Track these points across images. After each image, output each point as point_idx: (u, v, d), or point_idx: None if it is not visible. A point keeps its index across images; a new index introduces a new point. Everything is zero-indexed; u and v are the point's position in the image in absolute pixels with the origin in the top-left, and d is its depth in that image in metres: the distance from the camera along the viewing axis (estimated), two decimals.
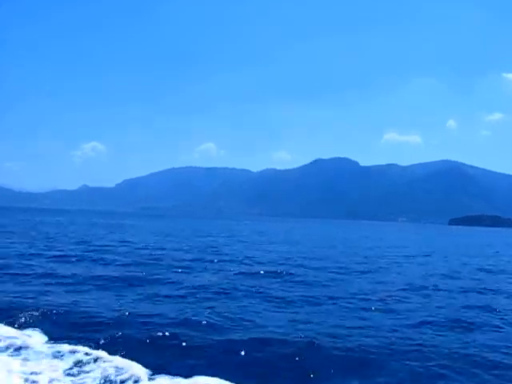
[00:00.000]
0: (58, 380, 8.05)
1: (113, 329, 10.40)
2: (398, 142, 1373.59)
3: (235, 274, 20.83)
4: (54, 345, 9.46)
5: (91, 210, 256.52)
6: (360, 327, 11.74)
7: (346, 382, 8.50)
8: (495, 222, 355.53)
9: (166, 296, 14.81)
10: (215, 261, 26.08)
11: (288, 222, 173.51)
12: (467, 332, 11.91)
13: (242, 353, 9.43)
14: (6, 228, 50.20)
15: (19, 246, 29.87)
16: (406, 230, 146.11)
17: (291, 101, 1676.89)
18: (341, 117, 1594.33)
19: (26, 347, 9.30)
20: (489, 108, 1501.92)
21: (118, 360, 8.85)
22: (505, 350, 10.36)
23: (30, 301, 12.82)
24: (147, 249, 32.26)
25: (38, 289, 15.09)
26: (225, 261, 26.33)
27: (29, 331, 10.24)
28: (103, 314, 11.67)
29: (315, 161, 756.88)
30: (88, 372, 8.42)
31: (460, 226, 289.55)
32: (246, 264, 25.29)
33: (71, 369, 8.56)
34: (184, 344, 9.72)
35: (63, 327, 10.61)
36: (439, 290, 18.45)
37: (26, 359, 8.79)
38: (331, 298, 15.56)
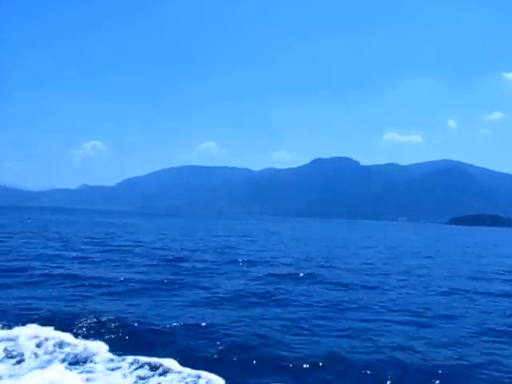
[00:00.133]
0: None
1: (175, 338, 9.87)
2: (399, 141, 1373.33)
3: (266, 275, 20.26)
4: (117, 356, 8.93)
5: (93, 210, 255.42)
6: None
7: None
8: (496, 221, 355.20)
9: (210, 301, 14.19)
10: (239, 261, 25.55)
11: (290, 222, 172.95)
12: None
13: (318, 369, 8.84)
14: (16, 228, 49.53)
15: (35, 246, 29.27)
16: (410, 230, 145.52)
17: (291, 100, 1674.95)
18: (341, 116, 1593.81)
19: (89, 358, 8.78)
20: (489, 107, 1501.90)
21: (188, 371, 8.32)
22: None
23: (76, 307, 12.27)
24: (164, 249, 31.69)
25: (75, 293, 14.54)
26: (250, 262, 25.75)
27: (89, 341, 9.72)
28: (157, 322, 11.11)
29: (315, 160, 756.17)
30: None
31: (460, 226, 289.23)
32: (272, 265, 24.74)
33: (137, 382, 8.03)
34: (255, 356, 9.16)
35: (122, 336, 10.06)
36: (481, 293, 17.92)
37: (90, 371, 8.27)
38: (382, 304, 14.87)
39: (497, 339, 11.22)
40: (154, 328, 10.58)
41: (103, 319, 10.96)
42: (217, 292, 15.86)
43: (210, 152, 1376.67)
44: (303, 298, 15.14)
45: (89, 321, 10.79)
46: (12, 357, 9.03)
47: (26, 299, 13.43)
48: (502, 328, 12.33)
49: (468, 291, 18.22)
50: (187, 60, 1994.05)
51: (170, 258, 26.41)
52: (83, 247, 30.73)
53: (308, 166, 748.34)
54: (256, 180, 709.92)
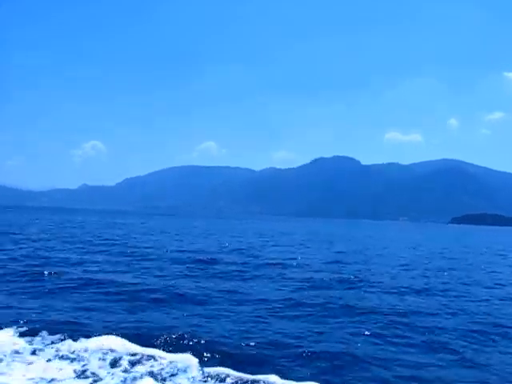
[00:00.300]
0: None
1: (261, 352, 8.86)
2: (400, 141, 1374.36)
3: (307, 279, 19.05)
4: (209, 369, 8.01)
5: (96, 210, 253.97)
6: None
7: None
8: (497, 220, 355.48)
9: (271, 311, 12.99)
10: (270, 264, 24.42)
11: (295, 222, 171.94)
12: None
13: None
14: (29, 229, 48.32)
15: (59, 249, 28.03)
16: (417, 230, 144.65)
17: (292, 100, 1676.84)
18: (341, 116, 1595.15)
19: (180, 372, 7.91)
20: (489, 107, 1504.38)
21: None
22: None
23: (136, 316, 11.29)
24: (188, 251, 30.49)
25: (141, 305, 13.38)
26: (281, 264, 24.51)
27: (174, 354, 8.74)
28: (233, 335, 10.07)
29: (316, 160, 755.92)
30: None
31: (462, 225, 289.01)
32: (306, 269, 23.58)
33: None
34: (360, 372, 8.13)
35: (204, 350, 9.07)
36: None
37: None
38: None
39: None
40: (234, 342, 9.60)
41: (178, 332, 9.92)
42: (269, 300, 14.65)
43: (210, 152, 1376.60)
44: (370, 305, 14.06)
45: (159, 333, 9.79)
46: (86, 376, 8.00)
47: (79, 309, 12.36)
48: None
49: None
50: (187, 60, 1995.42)
51: (201, 259, 25.40)
52: (105, 249, 29.62)
53: (308, 165, 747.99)
54: (256, 180, 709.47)
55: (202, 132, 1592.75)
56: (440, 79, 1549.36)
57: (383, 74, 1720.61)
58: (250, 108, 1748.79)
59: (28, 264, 20.19)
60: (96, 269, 20.28)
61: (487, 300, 16.22)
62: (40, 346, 9.40)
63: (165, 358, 8.57)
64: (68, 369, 8.18)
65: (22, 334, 9.91)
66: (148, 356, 8.79)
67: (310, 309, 13.54)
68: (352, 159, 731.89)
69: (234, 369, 8.13)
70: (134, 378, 7.78)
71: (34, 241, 33.94)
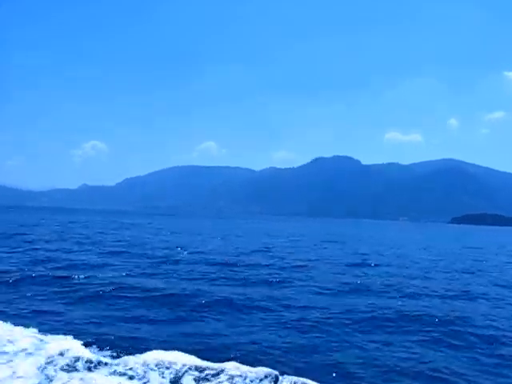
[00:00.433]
0: None
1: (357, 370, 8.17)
2: (400, 141, 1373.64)
3: (340, 285, 18.27)
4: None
5: (99, 210, 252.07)
6: None
7: None
8: (497, 220, 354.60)
9: (337, 322, 12.17)
10: (292, 266, 23.73)
11: (296, 222, 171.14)
12: None
13: None
14: (38, 230, 47.60)
15: (79, 252, 27.16)
16: (420, 230, 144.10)
17: (292, 100, 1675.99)
18: (342, 116, 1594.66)
19: None
20: (489, 106, 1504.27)
21: None
22: None
23: (208, 329, 10.53)
24: (209, 253, 29.85)
25: (187, 312, 12.71)
26: (311, 267, 23.65)
27: (256, 368, 8.10)
28: (305, 346, 9.41)
29: (316, 159, 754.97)
30: None
31: (462, 225, 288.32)
32: (334, 271, 22.97)
33: None
34: None
35: (287, 362, 8.44)
36: None
37: None
38: None
39: None
40: (303, 352, 8.93)
41: (240, 341, 9.31)
42: (317, 306, 13.79)
43: (209, 152, 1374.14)
44: (430, 312, 13.36)
45: (219, 344, 9.20)
46: None
47: (125, 318, 11.69)
48: None
49: None
50: (187, 60, 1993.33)
51: (224, 261, 24.76)
52: (120, 250, 28.93)
53: (308, 165, 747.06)
54: (256, 180, 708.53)
55: (202, 132, 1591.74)
56: (440, 79, 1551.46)
57: (383, 74, 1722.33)
58: (250, 108, 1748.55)
59: (53, 267, 19.52)
60: (122, 272, 19.56)
61: None
62: (94, 359, 8.77)
63: (238, 372, 7.86)
64: None
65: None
66: (215, 370, 8.12)
67: (363, 315, 12.90)
68: (352, 159, 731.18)
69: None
70: None
71: (47, 241, 33.33)
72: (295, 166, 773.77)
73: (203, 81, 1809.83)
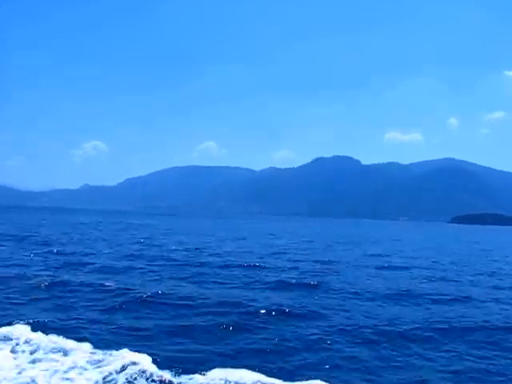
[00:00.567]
0: None
1: None
2: (400, 140, 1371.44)
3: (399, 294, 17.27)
4: None
5: (102, 210, 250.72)
6: None
7: None
8: (498, 220, 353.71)
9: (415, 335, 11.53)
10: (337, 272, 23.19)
11: (298, 222, 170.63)
12: None
13: None
14: (49, 231, 47.08)
15: (99, 255, 26.61)
16: (423, 230, 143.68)
17: (292, 100, 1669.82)
18: (342, 116, 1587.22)
19: None
20: (490, 106, 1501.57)
21: None
22: None
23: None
24: (224, 255, 29.34)
25: (255, 325, 12.01)
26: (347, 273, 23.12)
27: None
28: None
29: (316, 159, 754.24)
30: None
31: (462, 225, 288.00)
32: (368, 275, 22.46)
33: None
34: None
35: None
36: None
37: None
38: None
39: None
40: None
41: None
42: (405, 320, 12.78)
43: (210, 152, 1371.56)
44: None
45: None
46: None
47: (179, 330, 11.17)
48: None
49: None
50: (187, 60, 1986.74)
51: (250, 264, 24.29)
52: (140, 254, 28.40)
53: (308, 165, 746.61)
54: (256, 180, 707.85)
55: (202, 132, 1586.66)
56: (440, 79, 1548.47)
57: (383, 74, 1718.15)
58: (250, 108, 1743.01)
59: (82, 272, 18.99)
60: (152, 277, 19.04)
61: None
62: (156, 376, 8.30)
63: None
64: None
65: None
66: None
67: (438, 325, 12.32)
68: (352, 159, 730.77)
69: None
70: None
71: (63, 244, 32.81)
72: (295, 166, 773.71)
73: (203, 81, 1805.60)
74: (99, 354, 9.34)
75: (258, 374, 8.39)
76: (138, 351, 9.41)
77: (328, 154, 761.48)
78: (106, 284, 16.55)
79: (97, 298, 14.44)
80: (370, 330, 11.46)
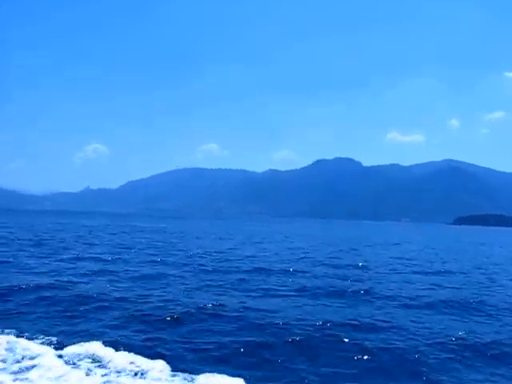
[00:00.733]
0: None
1: None
2: (401, 141, 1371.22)
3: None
4: None
5: (108, 213, 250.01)
6: None
7: None
8: (500, 221, 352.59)
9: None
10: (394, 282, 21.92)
11: (303, 223, 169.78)
12: None
13: None
14: (63, 234, 46.23)
15: (129, 261, 25.46)
16: (429, 232, 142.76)
17: (292, 100, 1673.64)
18: (342, 116, 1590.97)
19: None
20: (490, 106, 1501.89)
21: None
22: None
23: None
24: (254, 259, 28.44)
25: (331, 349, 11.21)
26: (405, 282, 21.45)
27: None
28: None
29: (318, 161, 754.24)
30: None
31: (465, 226, 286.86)
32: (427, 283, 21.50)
33: None
34: None
35: None
36: None
37: None
38: None
39: None
40: None
41: None
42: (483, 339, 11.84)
43: (211, 154, 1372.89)
44: None
45: None
46: None
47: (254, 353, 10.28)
48: None
49: None
50: (187, 60, 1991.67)
51: (287, 269, 23.37)
52: (164, 259, 27.52)
53: (310, 167, 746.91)
54: (258, 181, 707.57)
55: (203, 132, 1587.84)
56: (440, 79, 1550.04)
57: (383, 74, 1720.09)
58: (250, 108, 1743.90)
59: (125, 278, 17.89)
60: (196, 287, 17.79)
61: None
62: None
63: None
64: None
65: None
66: None
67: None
68: (353, 161, 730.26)
69: None
70: None
71: (83, 249, 31.92)
72: (296, 167, 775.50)
73: (203, 81, 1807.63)
74: (184, 379, 8.47)
75: None
76: (223, 373, 8.59)
77: (329, 155, 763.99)
78: (155, 294, 15.70)
79: (147, 314, 13.23)
80: (456, 343, 10.62)
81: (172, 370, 8.81)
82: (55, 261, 24.70)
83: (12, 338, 10.39)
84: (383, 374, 9.31)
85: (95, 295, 15.15)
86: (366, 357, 10.32)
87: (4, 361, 9.17)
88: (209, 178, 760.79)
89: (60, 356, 9.42)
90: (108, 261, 25.71)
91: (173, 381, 8.48)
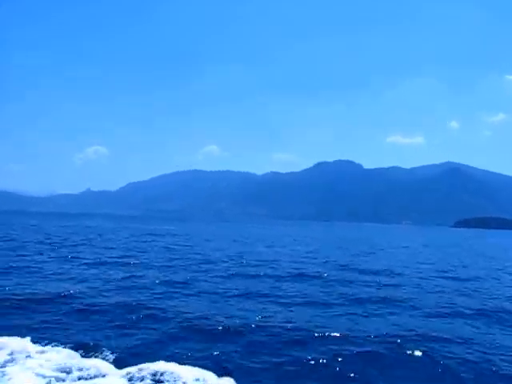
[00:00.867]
0: None
1: None
2: (402, 143, 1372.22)
3: None
4: None
5: (114, 215, 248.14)
6: None
7: None
8: (501, 223, 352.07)
9: None
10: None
11: (310, 226, 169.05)
12: None
13: None
14: (75, 236, 45.57)
15: (161, 268, 24.12)
16: (436, 235, 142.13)
17: (292, 100, 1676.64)
18: (342, 116, 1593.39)
19: None
20: (491, 108, 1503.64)
21: None
22: None
23: None
24: (293, 266, 27.73)
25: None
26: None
27: None
28: None
29: (319, 163, 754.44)
30: None
31: (469, 229, 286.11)
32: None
33: None
34: None
35: None
36: None
37: None
38: None
39: None
40: None
41: None
42: None
43: (212, 155, 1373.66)
44: None
45: None
46: None
47: None
48: None
49: None
50: (187, 60, 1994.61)
51: (326, 277, 22.52)
52: (193, 263, 26.86)
53: (311, 169, 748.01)
54: (259, 183, 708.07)
55: (203, 132, 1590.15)
56: (440, 79, 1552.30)
57: (383, 74, 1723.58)
58: (250, 108, 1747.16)
59: (167, 295, 16.78)
60: (237, 293, 17.18)
61: None
62: None
63: None
64: None
65: None
66: None
67: None
68: (354, 163, 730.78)
69: None
70: None
71: (102, 253, 31.25)
72: (297, 169, 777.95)
73: (203, 81, 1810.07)
74: None
75: None
76: None
77: (330, 157, 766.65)
78: (197, 302, 15.08)
79: (199, 320, 12.48)
80: None
81: None
82: (78, 265, 24.03)
83: (64, 353, 9.75)
84: None
85: (134, 303, 14.50)
86: (439, 369, 9.81)
87: (63, 379, 8.55)
88: (209, 179, 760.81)
89: (122, 373, 8.80)
90: (130, 265, 25.10)
91: None
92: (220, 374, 8.76)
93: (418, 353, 10.59)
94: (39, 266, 23.28)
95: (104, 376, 8.59)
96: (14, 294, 15.05)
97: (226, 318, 13.04)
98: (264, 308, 14.68)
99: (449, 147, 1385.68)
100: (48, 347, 9.95)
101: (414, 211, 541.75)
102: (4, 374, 8.30)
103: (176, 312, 13.53)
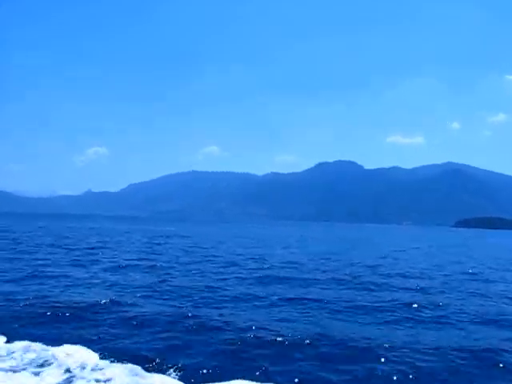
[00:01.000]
0: None
1: None
2: (401, 143, 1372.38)
3: None
4: None
5: (116, 216, 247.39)
6: None
7: None
8: (501, 224, 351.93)
9: None
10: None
11: (312, 226, 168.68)
12: None
13: None
14: (89, 239, 44.88)
15: (196, 274, 22.76)
16: (441, 236, 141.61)
17: (292, 100, 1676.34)
18: (342, 116, 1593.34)
19: None
20: (492, 108, 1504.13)
21: None
22: None
23: None
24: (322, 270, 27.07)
25: None
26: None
27: None
28: None
29: (319, 164, 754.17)
30: None
31: (470, 229, 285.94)
32: None
33: None
34: None
35: None
36: None
37: None
38: None
39: None
40: None
41: None
42: None
43: (212, 156, 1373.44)
44: None
45: None
46: None
47: None
48: None
49: None
50: (187, 60, 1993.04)
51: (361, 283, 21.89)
52: (214, 266, 26.13)
53: (312, 169, 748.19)
54: (259, 184, 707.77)
55: (203, 133, 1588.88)
56: (440, 79, 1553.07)
57: (383, 74, 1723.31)
58: (250, 108, 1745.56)
59: (208, 304, 15.93)
60: (279, 306, 16.48)
61: None
62: None
63: None
64: None
65: None
66: None
67: None
68: (355, 164, 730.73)
69: None
70: None
71: (125, 258, 30.56)
72: (298, 169, 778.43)
73: (203, 81, 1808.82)
74: None
75: None
76: None
77: (330, 157, 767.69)
78: (245, 312, 14.26)
79: (261, 333, 11.55)
80: None
81: None
82: (101, 271, 23.19)
83: (127, 367, 9.03)
84: None
85: (179, 311, 13.75)
86: None
87: None
88: (210, 179, 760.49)
89: None
90: (156, 267, 24.41)
91: None
92: None
93: (497, 364, 9.95)
94: (62, 270, 22.55)
95: None
96: (55, 302, 14.42)
97: (282, 327, 12.30)
98: (315, 315, 13.99)
99: (449, 147, 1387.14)
100: (109, 360, 9.32)
101: (415, 211, 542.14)
102: None
103: (226, 322, 12.78)
